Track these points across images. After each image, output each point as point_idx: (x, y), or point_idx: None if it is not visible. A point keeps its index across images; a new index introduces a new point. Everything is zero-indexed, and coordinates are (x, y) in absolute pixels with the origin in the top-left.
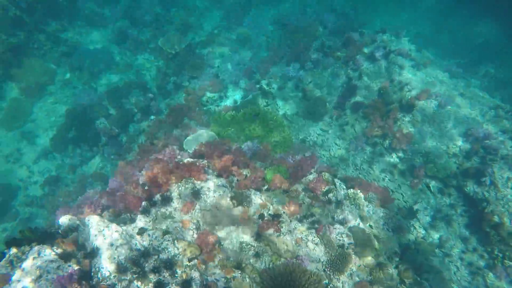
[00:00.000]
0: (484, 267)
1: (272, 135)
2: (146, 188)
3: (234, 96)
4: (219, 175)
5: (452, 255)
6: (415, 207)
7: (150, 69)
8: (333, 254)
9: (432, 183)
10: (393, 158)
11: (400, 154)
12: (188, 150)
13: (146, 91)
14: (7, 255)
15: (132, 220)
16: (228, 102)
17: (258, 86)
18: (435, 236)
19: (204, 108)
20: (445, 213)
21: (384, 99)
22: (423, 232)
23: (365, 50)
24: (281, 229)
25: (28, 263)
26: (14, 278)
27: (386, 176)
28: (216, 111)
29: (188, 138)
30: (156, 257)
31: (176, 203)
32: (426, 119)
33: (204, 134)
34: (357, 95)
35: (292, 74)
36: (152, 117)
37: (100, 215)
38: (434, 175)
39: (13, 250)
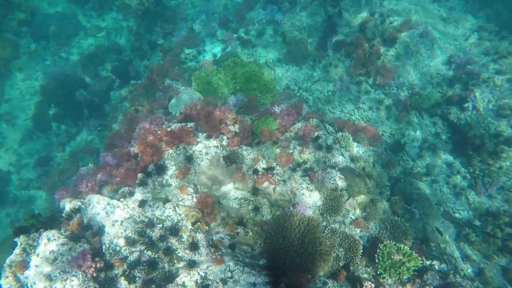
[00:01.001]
0: (466, 187)
1: (256, 86)
2: (138, 159)
3: (212, 50)
4: (208, 136)
5: (439, 180)
6: (403, 140)
7: (120, 29)
8: (327, 197)
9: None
10: (379, 95)
11: (386, 90)
12: (174, 113)
13: (121, 55)
14: (18, 243)
15: (131, 193)
16: (208, 57)
17: (236, 35)
18: (423, 164)
19: (184, 65)
20: (431, 142)
21: (366, 35)
22: (411, 163)
23: None
24: (276, 181)
25: (41, 249)
26: (31, 263)
27: (373, 113)
28: (196, 69)
29: (172, 100)
30: (160, 225)
31: (170, 170)
32: (409, 51)
33: (187, 94)
34: (338, 33)
35: (269, 17)
36: (132, 81)
37: (100, 192)
38: (419, 107)
39: (22, 238)
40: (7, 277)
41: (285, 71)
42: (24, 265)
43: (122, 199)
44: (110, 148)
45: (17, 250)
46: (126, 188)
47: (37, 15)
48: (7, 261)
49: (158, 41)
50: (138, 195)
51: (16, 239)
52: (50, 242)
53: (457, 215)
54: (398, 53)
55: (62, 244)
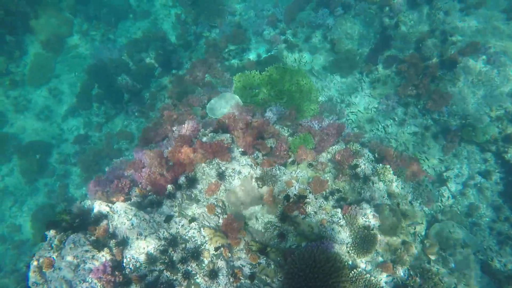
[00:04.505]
0: None
1: (298, 95)
2: (171, 164)
3: (257, 49)
4: (243, 153)
5: (481, 224)
6: (446, 174)
7: (168, 16)
8: (358, 236)
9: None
10: (427, 120)
11: (435, 116)
12: (212, 116)
13: (165, 43)
14: (48, 238)
15: (159, 204)
16: (252, 56)
17: (283, 37)
18: (465, 203)
19: (226, 63)
20: (478, 180)
21: (422, 54)
22: (452, 200)
23: None
24: (307, 211)
25: (66, 252)
26: (56, 265)
27: (417, 139)
28: (239, 67)
29: (211, 102)
30: (183, 246)
31: (201, 185)
32: (470, 77)
33: (227, 97)
34: (392, 48)
35: (320, 21)
36: (174, 71)
37: (128, 194)
38: (471, 140)
39: (52, 233)
40: (34, 271)
41: (329, 81)
42: (50, 262)
43: (149, 209)
44: (145, 142)
45: (45, 245)
46: (155, 196)
47: None
48: (36, 255)
49: (203, 33)
50: (166, 208)
51: (46, 233)
52: (75, 247)
53: (498, 265)
54: (456, 79)
55: (86, 251)
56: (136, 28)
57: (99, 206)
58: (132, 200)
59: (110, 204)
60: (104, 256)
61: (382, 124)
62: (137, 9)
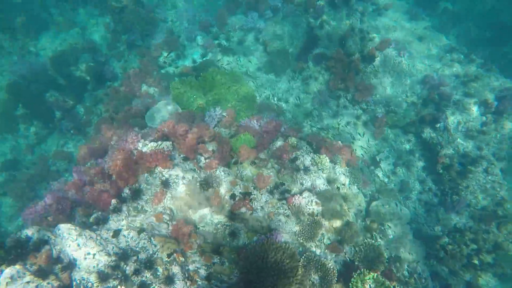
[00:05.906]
0: (437, 203)
1: (236, 97)
2: (113, 179)
3: (192, 55)
4: (186, 158)
5: (411, 197)
6: (378, 157)
7: (96, 25)
8: (304, 223)
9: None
10: (357, 110)
11: (363, 106)
12: (151, 125)
13: (96, 54)
14: None
15: (105, 220)
16: (187, 62)
17: (216, 42)
18: (397, 181)
19: (162, 70)
20: (405, 159)
21: (346, 50)
22: (386, 179)
23: None
24: (253, 207)
25: None
26: None
27: (350, 128)
28: (175, 74)
29: (149, 111)
30: (135, 258)
31: (146, 195)
32: (387, 69)
33: (165, 106)
34: (319, 46)
35: (251, 25)
36: (108, 82)
37: (71, 215)
38: (395, 124)
39: None
40: None
41: (265, 81)
42: None
43: (95, 227)
44: (84, 160)
45: None
46: (100, 213)
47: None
48: None
49: (136, 41)
50: (112, 223)
51: None
52: (13, 281)
53: (427, 231)
54: (376, 71)
55: (28, 282)
56: (61, 39)
57: (37, 232)
58: (76, 221)
59: (51, 228)
60: (51, 283)
61: (317, 117)
62: (59, 18)
